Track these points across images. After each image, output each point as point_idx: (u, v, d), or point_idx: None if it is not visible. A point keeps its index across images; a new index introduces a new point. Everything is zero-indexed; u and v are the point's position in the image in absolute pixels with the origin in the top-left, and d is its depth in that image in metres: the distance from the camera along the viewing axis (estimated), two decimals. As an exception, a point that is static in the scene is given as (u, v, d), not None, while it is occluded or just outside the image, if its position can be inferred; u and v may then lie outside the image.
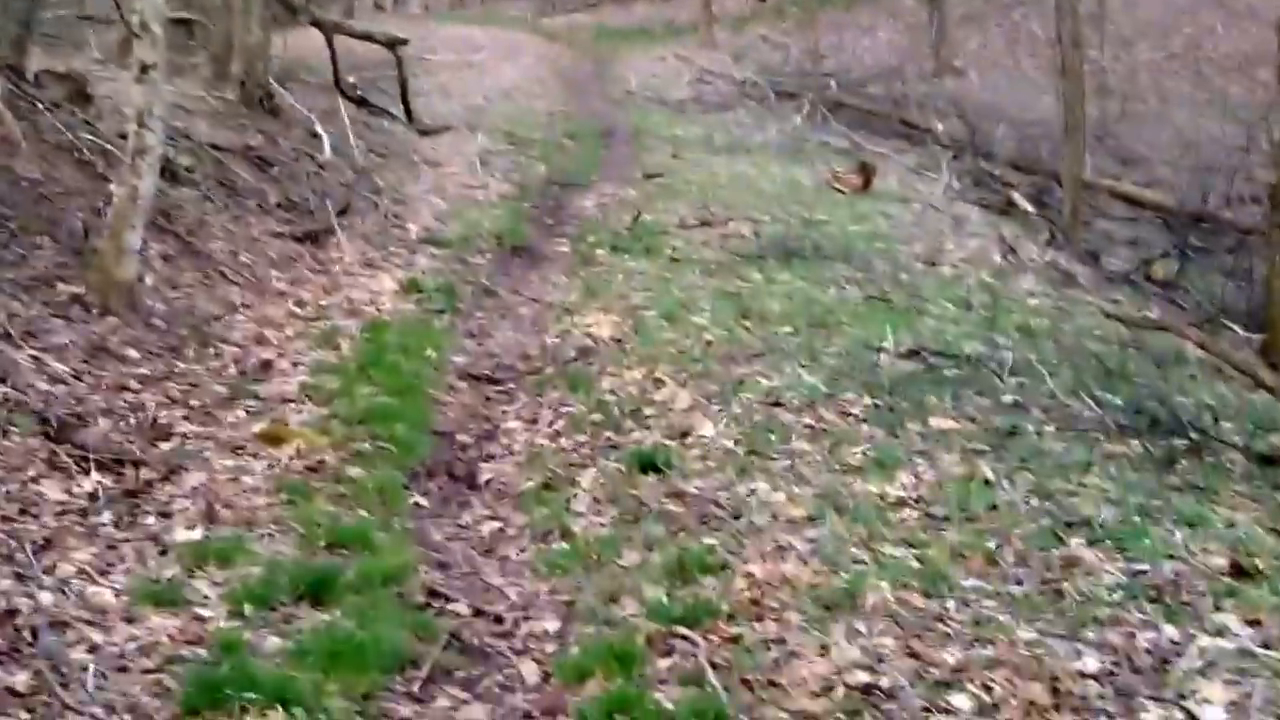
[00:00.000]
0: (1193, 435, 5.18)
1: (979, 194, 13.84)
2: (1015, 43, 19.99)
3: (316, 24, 14.35)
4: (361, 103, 14.29)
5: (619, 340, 7.01)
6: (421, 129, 14.32)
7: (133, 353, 5.85)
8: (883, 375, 6.01)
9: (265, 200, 8.82)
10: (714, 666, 3.45)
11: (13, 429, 4.59)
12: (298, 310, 7.35)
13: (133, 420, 5.15)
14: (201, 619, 3.67)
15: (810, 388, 5.84)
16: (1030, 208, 12.69)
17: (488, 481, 5.23)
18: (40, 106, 6.98)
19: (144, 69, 5.69)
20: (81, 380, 5.35)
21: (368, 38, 15.20)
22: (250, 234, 8.13)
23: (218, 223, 7.97)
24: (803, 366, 6.23)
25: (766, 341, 6.79)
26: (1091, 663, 3.43)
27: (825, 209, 11.28)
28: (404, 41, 14.92)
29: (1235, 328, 8.62)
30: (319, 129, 10.86)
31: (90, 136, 7.30)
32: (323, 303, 7.57)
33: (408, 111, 14.55)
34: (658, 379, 6.20)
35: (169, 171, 7.60)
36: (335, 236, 8.75)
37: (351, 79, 14.86)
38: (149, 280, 6.79)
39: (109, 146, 7.48)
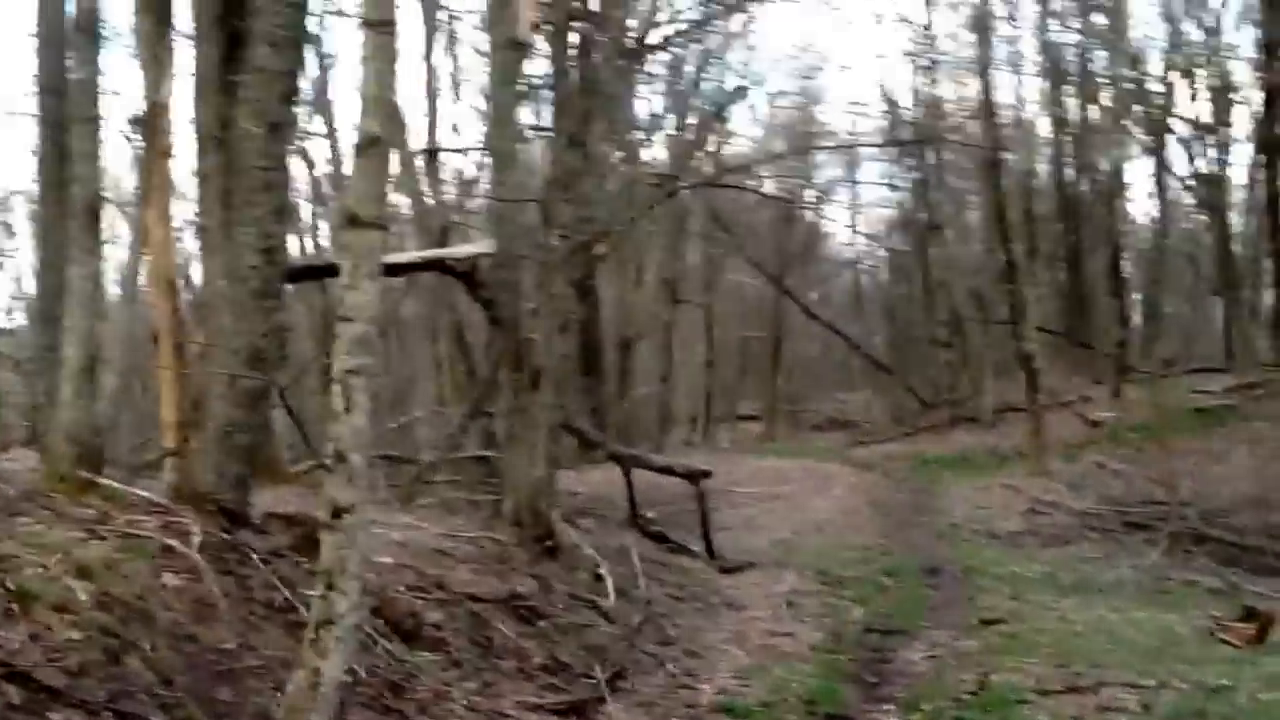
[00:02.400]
0: None
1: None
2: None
3: (614, 458, 13.73)
4: (660, 539, 13.30)
5: None
6: (723, 566, 13.07)
7: None
8: None
9: (526, 661, 7.41)
10: None
11: None
12: (539, 820, 5.68)
13: None
14: None
15: None
16: None
17: None
18: (255, 557, 5.96)
19: (336, 512, 4.47)
20: None
21: (668, 471, 14.41)
22: (500, 707, 6.64)
23: (461, 693, 6.55)
24: None
25: None
26: None
27: (1220, 669, 8.65)
28: (706, 474, 14.06)
29: None
30: (604, 571, 9.64)
31: (312, 593, 6.18)
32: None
33: (709, 547, 13.39)
34: None
35: (406, 632, 6.38)
36: (606, 706, 7.16)
37: (650, 514, 13.99)
38: (358, 777, 5.37)
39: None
